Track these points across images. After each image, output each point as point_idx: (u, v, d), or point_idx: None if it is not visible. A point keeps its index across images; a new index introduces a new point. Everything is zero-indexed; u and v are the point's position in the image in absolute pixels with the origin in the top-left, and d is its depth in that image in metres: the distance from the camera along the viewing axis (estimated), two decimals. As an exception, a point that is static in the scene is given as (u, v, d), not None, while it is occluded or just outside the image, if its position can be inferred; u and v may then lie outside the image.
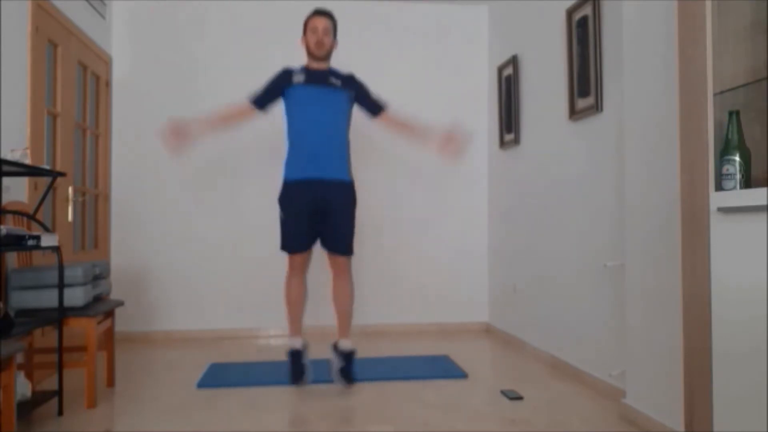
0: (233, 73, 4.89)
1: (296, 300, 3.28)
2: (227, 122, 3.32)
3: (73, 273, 2.89)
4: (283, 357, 3.99)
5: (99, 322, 3.06)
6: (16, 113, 3.23)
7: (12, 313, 2.77)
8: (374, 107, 3.34)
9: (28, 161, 2.80)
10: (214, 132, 3.24)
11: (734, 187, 1.94)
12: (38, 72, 3.46)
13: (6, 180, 3.00)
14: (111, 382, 3.33)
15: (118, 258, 4.70)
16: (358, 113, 3.40)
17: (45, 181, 3.34)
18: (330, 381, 3.37)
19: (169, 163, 4.79)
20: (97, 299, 3.22)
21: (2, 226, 2.57)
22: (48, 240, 2.69)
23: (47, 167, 3.07)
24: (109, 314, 3.31)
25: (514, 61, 4.46)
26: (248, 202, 4.81)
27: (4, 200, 2.98)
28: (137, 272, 4.72)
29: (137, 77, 4.79)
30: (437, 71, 5.16)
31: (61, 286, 2.79)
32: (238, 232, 4.82)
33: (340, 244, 3.22)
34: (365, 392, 3.19)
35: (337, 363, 3.24)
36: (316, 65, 3.24)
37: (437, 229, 5.08)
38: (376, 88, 4.93)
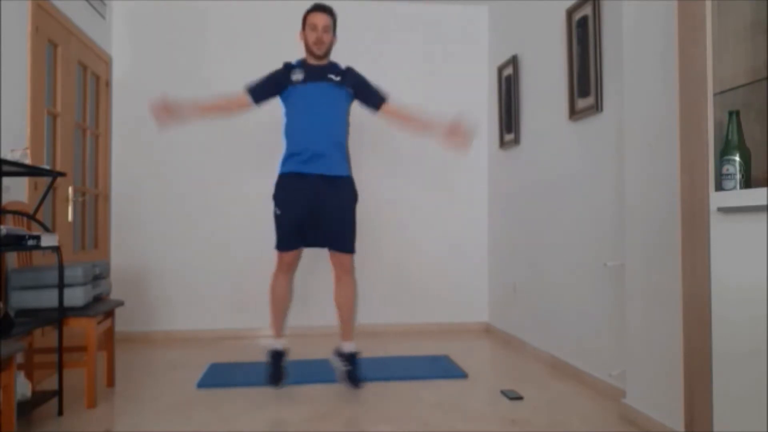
0: (233, 73, 4.86)
1: (282, 299, 3.19)
2: (221, 111, 3.26)
3: (73, 273, 2.89)
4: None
5: (99, 322, 3.06)
6: (16, 113, 3.23)
7: (12, 313, 2.77)
8: (375, 99, 3.23)
9: (28, 161, 2.80)
10: (206, 118, 3.19)
11: (734, 187, 1.94)
12: (38, 72, 3.46)
13: (6, 180, 3.00)
14: (111, 382, 3.33)
15: (118, 258, 4.70)
16: (359, 111, 3.38)
17: (45, 181, 3.34)
18: (329, 381, 3.37)
19: (169, 163, 4.80)
20: (97, 299, 3.22)
21: (2, 226, 2.57)
22: (48, 240, 2.69)
23: (47, 167, 3.07)
24: (109, 314, 3.31)
25: (514, 61, 4.46)
26: (248, 201, 4.80)
27: (4, 200, 2.98)
28: (137, 272, 4.72)
29: (137, 77, 4.79)
30: (437, 71, 5.16)
31: (61, 286, 2.79)
32: (238, 232, 4.82)
33: (343, 241, 3.12)
34: (365, 392, 3.18)
35: (341, 367, 3.16)
36: (315, 62, 3.19)
37: (437, 229, 5.08)
38: (376, 88, 4.95)
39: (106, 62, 4.64)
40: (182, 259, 4.77)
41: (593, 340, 3.30)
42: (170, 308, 4.75)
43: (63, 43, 3.83)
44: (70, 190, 3.93)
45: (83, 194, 4.23)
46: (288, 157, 3.15)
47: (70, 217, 3.92)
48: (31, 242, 2.60)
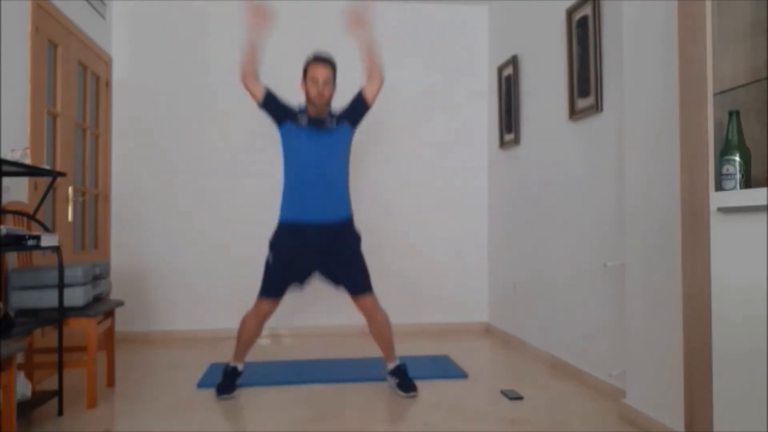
0: (233, 73, 4.87)
1: (249, 337, 3.24)
2: (249, 66, 3.22)
3: (73, 273, 2.89)
4: (282, 357, 4.01)
5: (99, 322, 3.06)
6: (16, 113, 3.23)
7: (12, 313, 2.77)
8: (359, 103, 3.27)
9: (28, 161, 2.80)
10: (247, 50, 3.20)
11: (734, 187, 1.94)
12: (38, 72, 3.46)
13: (6, 180, 3.00)
14: (111, 382, 3.33)
15: (118, 258, 4.70)
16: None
17: (45, 181, 3.34)
18: (329, 381, 3.37)
19: (169, 163, 4.80)
20: (97, 299, 3.22)
21: (2, 226, 2.57)
22: (48, 240, 2.69)
23: (47, 167, 3.07)
24: (109, 314, 3.31)
25: (514, 61, 4.46)
26: (248, 202, 4.81)
27: (4, 200, 2.98)
28: (137, 272, 4.72)
29: (137, 77, 4.79)
30: (437, 71, 5.16)
31: (61, 286, 2.79)
32: (238, 231, 4.82)
33: (358, 283, 3.17)
34: (365, 392, 3.19)
35: (393, 381, 3.21)
36: (315, 112, 3.20)
37: (437, 229, 5.08)
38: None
39: (106, 62, 4.64)
40: (182, 259, 4.77)
41: (593, 340, 3.30)
42: (170, 308, 4.75)
43: (63, 43, 3.83)
44: (70, 190, 3.93)
45: (83, 194, 4.23)
46: (287, 203, 3.18)
47: (70, 217, 3.92)
48: (31, 242, 2.60)
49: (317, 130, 3.18)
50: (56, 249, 2.78)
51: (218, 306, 4.79)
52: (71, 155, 3.99)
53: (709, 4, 2.04)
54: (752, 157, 1.96)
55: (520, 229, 4.39)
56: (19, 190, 3.25)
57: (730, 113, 1.98)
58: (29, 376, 2.97)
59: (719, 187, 2.01)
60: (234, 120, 4.87)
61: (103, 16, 4.54)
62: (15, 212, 2.95)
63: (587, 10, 3.34)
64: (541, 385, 3.34)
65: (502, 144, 4.72)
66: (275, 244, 3.18)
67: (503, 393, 3.14)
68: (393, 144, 5.01)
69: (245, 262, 4.75)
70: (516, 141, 4.42)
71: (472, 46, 5.18)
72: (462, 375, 3.52)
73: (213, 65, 4.86)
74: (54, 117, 3.76)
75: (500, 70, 4.76)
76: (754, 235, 1.83)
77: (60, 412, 2.80)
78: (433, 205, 5.08)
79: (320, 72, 3.15)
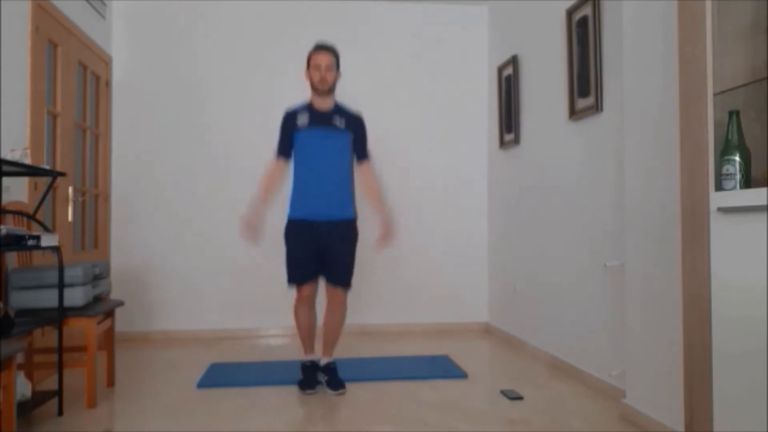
0: (233, 73, 4.90)
1: (305, 326, 3.35)
2: (272, 188, 3.33)
3: (73, 273, 2.89)
4: (282, 356, 4.01)
5: (99, 322, 3.06)
6: (16, 113, 3.23)
7: (12, 313, 2.77)
8: (360, 154, 3.35)
9: (28, 161, 2.80)
10: (269, 203, 3.31)
11: (734, 187, 1.94)
12: (38, 72, 3.46)
13: (6, 180, 3.00)
14: (111, 382, 3.33)
15: (118, 258, 4.70)
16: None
17: (45, 181, 3.34)
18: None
19: (169, 163, 4.80)
20: (97, 299, 3.22)
21: (2, 226, 2.57)
22: (48, 240, 2.69)
23: (47, 167, 3.07)
24: (109, 314, 3.31)
25: (514, 61, 4.46)
26: (248, 202, 4.80)
27: (4, 200, 2.98)
28: (137, 272, 4.72)
29: (137, 77, 4.79)
30: (437, 71, 5.16)
31: (61, 286, 2.79)
32: (238, 232, 4.81)
33: (340, 277, 3.27)
34: (365, 392, 3.19)
35: (322, 378, 3.29)
36: (320, 103, 3.25)
37: (437, 229, 5.08)
38: (376, 88, 4.96)
39: (106, 62, 4.64)
40: (182, 259, 4.77)
41: (593, 340, 3.30)
42: (170, 308, 4.75)
43: (63, 43, 3.83)
44: (70, 190, 3.93)
45: (83, 194, 4.23)
46: (295, 201, 3.26)
47: (70, 217, 3.92)
48: (31, 242, 2.60)
49: (323, 129, 3.23)
50: (56, 249, 2.78)
51: (218, 306, 4.79)
52: (71, 155, 3.99)
53: (709, 4, 2.04)
54: (752, 157, 1.96)
55: (520, 229, 4.39)
56: (19, 190, 3.25)
57: (730, 113, 1.98)
58: (29, 376, 2.97)
59: (719, 187, 2.01)
60: (234, 120, 4.87)
61: (103, 16, 4.54)
62: (15, 212, 2.95)
63: (587, 10, 3.34)
64: (541, 385, 3.34)
65: (502, 144, 4.72)
66: (288, 237, 3.28)
67: (503, 393, 3.14)
68: (393, 144, 5.01)
69: (245, 263, 4.76)
70: (516, 141, 4.42)
71: (472, 46, 5.18)
72: (462, 375, 3.52)
73: (213, 65, 4.87)
74: (54, 117, 3.76)
75: (500, 70, 4.76)
76: (754, 235, 1.83)
77: (60, 412, 2.80)
78: (433, 205, 5.08)
79: (322, 58, 3.21)
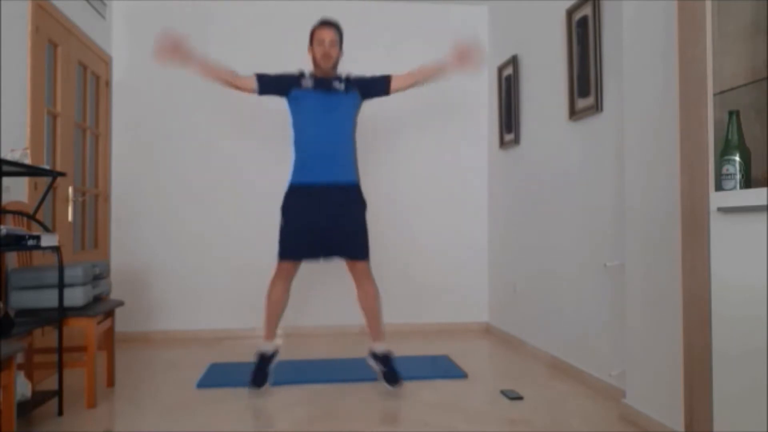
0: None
1: (277, 301, 3.21)
2: (224, 81, 3.23)
3: (73, 273, 2.89)
4: (282, 357, 4.00)
5: (99, 322, 3.06)
6: (16, 113, 3.23)
7: (12, 313, 2.77)
8: (380, 85, 3.30)
9: (28, 161, 2.80)
10: (205, 78, 3.20)
11: (734, 187, 1.94)
12: (38, 72, 3.46)
13: (6, 180, 3.00)
14: (111, 382, 3.33)
15: (118, 258, 4.70)
16: (365, 109, 3.39)
17: (45, 181, 3.34)
18: (329, 381, 3.37)
19: (169, 163, 4.80)
20: (97, 299, 3.22)
21: (2, 226, 2.57)
22: (48, 240, 2.69)
23: (47, 167, 3.07)
24: (109, 314, 3.31)
25: (514, 61, 4.46)
26: (248, 202, 4.81)
27: (4, 200, 2.98)
28: (137, 272, 4.72)
29: (137, 77, 4.79)
30: (437, 71, 5.15)
31: (61, 286, 2.79)
32: (238, 232, 4.82)
33: (357, 249, 3.18)
34: (365, 392, 3.19)
35: (378, 368, 3.21)
36: (323, 73, 3.25)
37: (437, 229, 5.08)
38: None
39: (106, 62, 4.64)
40: (182, 259, 4.77)
41: (593, 340, 3.30)
42: (170, 308, 4.75)
43: (63, 43, 3.83)
44: (70, 190, 3.93)
45: (83, 194, 4.23)
46: (298, 166, 3.20)
47: (70, 217, 3.92)
48: (31, 242, 2.60)
49: (325, 92, 3.20)
50: (56, 249, 2.78)
51: (218, 306, 4.79)
52: (71, 155, 3.99)
53: (709, 4, 2.04)
54: (752, 157, 1.96)
55: (520, 228, 4.39)
56: (19, 190, 3.25)
57: (730, 113, 1.98)
58: (29, 376, 2.97)
59: (719, 187, 2.01)
60: (234, 120, 4.87)
61: (103, 16, 4.54)
62: (15, 212, 2.95)
63: (587, 10, 3.34)
64: (541, 385, 3.34)
65: (502, 144, 4.72)
66: (286, 206, 3.20)
67: (503, 393, 3.14)
68: (393, 144, 5.01)
69: (245, 262, 4.76)
70: (516, 141, 4.42)
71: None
72: (462, 375, 3.52)
73: (213, 65, 4.86)
74: (54, 117, 3.76)
75: (500, 70, 4.76)
76: (754, 235, 1.83)
77: (60, 412, 2.80)
78: (433, 205, 5.08)
79: (326, 34, 3.20)
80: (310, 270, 4.06)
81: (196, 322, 4.77)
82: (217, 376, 3.50)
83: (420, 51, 5.12)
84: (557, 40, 3.74)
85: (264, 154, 4.76)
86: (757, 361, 1.81)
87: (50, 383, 3.25)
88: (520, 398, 3.06)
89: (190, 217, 4.80)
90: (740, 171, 1.94)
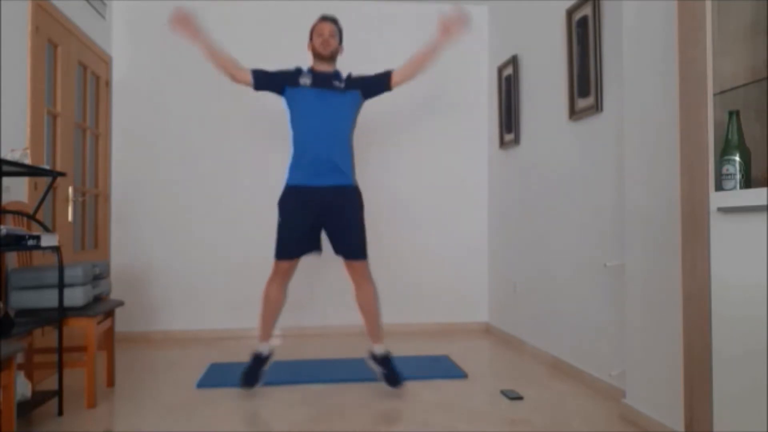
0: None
1: (274, 301, 3.19)
2: (223, 67, 3.25)
3: (73, 273, 2.89)
4: (282, 357, 4.00)
5: (99, 322, 3.06)
6: (16, 113, 3.23)
7: (12, 313, 2.77)
8: (382, 81, 3.28)
9: (28, 161, 2.80)
10: (206, 58, 3.19)
11: (734, 187, 1.94)
12: (38, 72, 3.46)
13: (6, 180, 3.00)
14: (111, 382, 3.33)
15: (118, 258, 4.70)
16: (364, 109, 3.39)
17: (45, 181, 3.34)
18: (329, 381, 3.37)
19: (168, 163, 4.80)
20: (97, 299, 3.22)
21: (2, 226, 2.57)
22: (48, 240, 2.69)
23: (47, 167, 3.07)
24: (109, 314, 3.31)
25: (514, 61, 4.46)
26: (248, 202, 4.81)
27: (4, 200, 2.98)
28: (137, 272, 4.72)
29: (137, 77, 4.79)
30: (437, 71, 5.14)
31: (61, 286, 2.79)
32: (238, 231, 4.82)
33: (353, 248, 3.17)
34: (365, 392, 3.19)
35: (378, 370, 3.20)
36: (322, 67, 3.23)
37: (437, 229, 5.08)
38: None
39: (106, 62, 4.64)
40: (182, 259, 4.77)
41: (593, 340, 3.30)
42: (170, 308, 4.75)
43: (63, 43, 3.83)
44: (70, 190, 3.93)
45: (83, 194, 4.23)
46: (294, 166, 3.19)
47: (70, 217, 3.92)
48: (31, 242, 2.60)
49: (324, 90, 3.18)
50: (56, 249, 2.78)
51: (218, 306, 4.79)
52: (71, 155, 3.99)
53: (709, 4, 2.04)
54: (752, 157, 1.96)
55: (520, 228, 4.39)
56: (19, 190, 3.25)
57: (730, 113, 1.98)
58: (29, 376, 2.97)
59: (719, 187, 2.01)
60: (234, 120, 4.87)
61: (103, 16, 4.54)
62: (15, 212, 2.95)
63: (587, 10, 3.34)
64: (541, 385, 3.34)
65: (502, 144, 4.72)
66: (283, 205, 3.19)
67: (503, 393, 3.14)
68: (393, 144, 5.01)
69: (245, 263, 4.76)
70: (516, 141, 4.42)
71: (472, 46, 5.18)
72: (462, 375, 3.52)
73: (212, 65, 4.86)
74: (54, 117, 3.76)
75: (500, 70, 4.76)
76: (754, 235, 1.83)
77: (60, 412, 2.80)
78: (433, 204, 5.08)
79: (325, 27, 3.23)
80: (310, 270, 4.07)
81: (196, 322, 4.77)
82: (217, 376, 3.50)
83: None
84: (557, 40, 3.74)
85: (264, 154, 4.76)
86: (757, 361, 1.81)
87: (50, 383, 3.25)
88: (520, 398, 3.06)
89: (190, 216, 4.80)
90: (740, 171, 1.94)
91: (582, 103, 3.41)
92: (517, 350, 4.27)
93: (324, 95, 3.17)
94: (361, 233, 3.20)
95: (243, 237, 4.80)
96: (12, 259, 3.01)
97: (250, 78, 3.24)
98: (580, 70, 3.42)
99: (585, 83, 3.36)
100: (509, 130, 4.55)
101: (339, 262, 3.29)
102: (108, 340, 3.36)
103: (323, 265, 3.42)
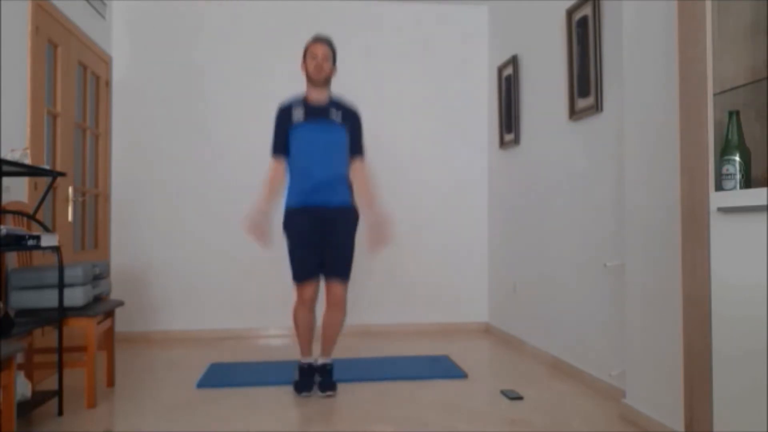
0: (233, 73, 4.90)
1: (305, 329, 3.25)
2: (275, 189, 3.27)
3: (73, 273, 2.89)
4: (282, 357, 4.01)
5: (99, 322, 3.06)
6: (16, 113, 3.23)
7: (12, 313, 2.77)
8: (354, 150, 3.29)
9: (28, 161, 2.80)
10: (273, 203, 3.23)
11: (734, 187, 1.94)
12: (38, 72, 3.46)
13: (6, 180, 3.00)
14: (111, 382, 3.33)
15: (118, 258, 4.70)
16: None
17: (45, 181, 3.34)
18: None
19: (168, 163, 4.80)
20: (97, 299, 3.22)
21: (2, 226, 2.57)
22: (48, 240, 2.69)
23: (47, 167, 3.07)
24: (109, 314, 3.31)
25: (514, 61, 4.46)
26: (248, 202, 4.80)
27: (4, 200, 2.98)
28: (137, 272, 4.72)
29: (137, 77, 4.79)
30: (437, 71, 5.16)
31: (61, 286, 2.79)
32: (238, 232, 4.81)
33: (338, 268, 3.19)
34: (365, 392, 3.19)
35: (317, 378, 3.23)
36: (316, 95, 3.23)
37: (437, 229, 5.08)
38: (376, 89, 4.96)
39: (106, 62, 4.64)
40: (182, 260, 4.77)
41: (593, 340, 3.30)
42: (170, 308, 4.75)
43: (63, 43, 3.83)
44: (70, 190, 3.93)
45: (83, 194, 4.23)
46: (292, 192, 3.23)
47: (70, 217, 3.92)
48: (31, 242, 2.60)
49: (319, 121, 3.19)
50: (56, 249, 2.78)
51: (218, 306, 4.79)
52: (71, 155, 3.99)
53: (709, 4, 2.04)
54: (752, 157, 1.96)
55: (520, 229, 4.39)
56: (19, 190, 3.26)
57: (730, 113, 1.98)
58: (29, 376, 2.97)
59: (719, 187, 2.01)
60: (234, 120, 4.87)
61: (103, 16, 4.54)
62: (15, 212, 2.95)
63: (587, 10, 3.34)
64: (541, 385, 3.34)
65: (502, 144, 4.72)
66: (288, 226, 3.21)
67: (503, 393, 3.14)
68: (392, 144, 5.01)
69: (245, 263, 4.77)
70: (516, 141, 4.42)
71: (472, 46, 5.19)
72: (462, 375, 3.52)
73: (213, 65, 4.87)
74: (54, 117, 3.76)
75: (500, 70, 4.76)
76: (754, 235, 1.83)
77: (60, 412, 2.80)
78: (433, 205, 5.08)
79: (319, 49, 3.21)
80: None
81: (196, 322, 4.77)
82: (217, 376, 3.50)
83: (420, 51, 5.14)
84: (557, 40, 3.74)
85: (264, 155, 4.74)
86: (757, 361, 1.81)
87: (50, 383, 3.26)
88: (520, 398, 3.06)
89: (190, 217, 4.80)
90: (740, 171, 1.94)
91: (582, 103, 3.41)
92: (517, 350, 4.27)
93: (320, 128, 3.19)
94: (349, 255, 3.22)
95: (243, 237, 4.78)
96: (12, 259, 3.01)
97: (282, 160, 3.24)
98: (580, 70, 3.42)
99: (585, 83, 3.36)
100: (509, 130, 4.55)
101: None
102: (108, 340, 3.36)
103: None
